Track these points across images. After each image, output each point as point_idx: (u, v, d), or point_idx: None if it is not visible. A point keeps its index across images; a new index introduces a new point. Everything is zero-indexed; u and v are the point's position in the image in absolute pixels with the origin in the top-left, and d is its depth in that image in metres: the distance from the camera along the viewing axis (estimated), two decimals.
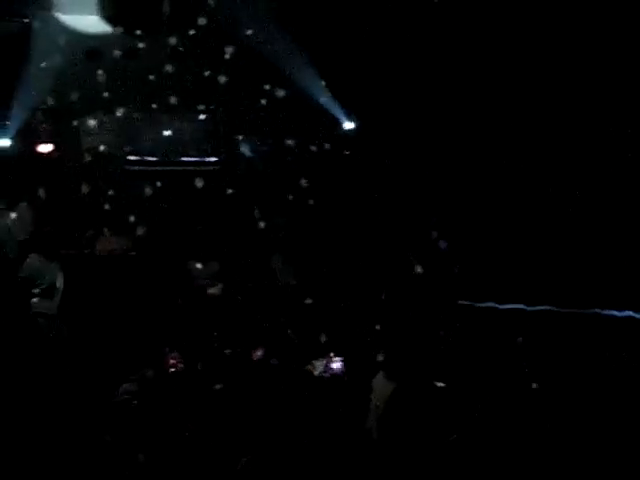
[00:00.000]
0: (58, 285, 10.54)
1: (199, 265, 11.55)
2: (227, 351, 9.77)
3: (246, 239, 12.62)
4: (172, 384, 9.02)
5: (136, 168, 13.94)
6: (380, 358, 8.28)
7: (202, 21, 12.24)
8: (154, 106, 13.69)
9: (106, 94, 13.33)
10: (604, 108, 11.93)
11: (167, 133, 14.05)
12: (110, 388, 8.68)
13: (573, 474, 7.19)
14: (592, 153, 11.97)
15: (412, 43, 12.71)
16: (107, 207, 12.45)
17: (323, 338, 9.93)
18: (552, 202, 12.15)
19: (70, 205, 12.80)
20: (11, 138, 13.50)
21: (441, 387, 8.13)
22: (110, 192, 12.67)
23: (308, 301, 10.96)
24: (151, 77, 13.06)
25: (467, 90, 12.61)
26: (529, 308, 11.45)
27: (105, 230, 12.35)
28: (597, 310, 11.27)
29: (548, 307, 11.34)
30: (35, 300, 10.35)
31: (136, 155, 14.03)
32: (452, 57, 12.62)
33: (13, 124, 13.48)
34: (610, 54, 11.90)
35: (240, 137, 11.75)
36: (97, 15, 13.42)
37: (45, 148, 13.75)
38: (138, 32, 13.01)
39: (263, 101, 12.74)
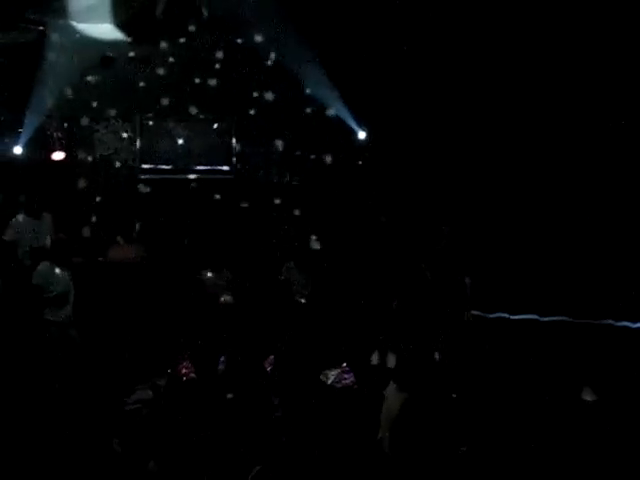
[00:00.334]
0: (69, 293, 10.56)
1: (211, 274, 11.55)
2: (239, 360, 9.75)
3: (259, 248, 12.62)
4: (184, 392, 9.00)
5: (149, 176, 13.95)
6: (390, 363, 8.28)
7: (216, 32, 12.34)
8: (168, 114, 13.72)
9: (120, 102, 13.39)
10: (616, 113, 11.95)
11: (180, 142, 14.06)
12: (121, 396, 8.68)
13: None
14: (610, 164, 11.95)
15: (426, 54, 12.71)
16: (119, 215, 12.49)
17: (336, 348, 9.92)
18: (566, 213, 12.12)
19: (82, 213, 12.80)
20: (24, 145, 13.54)
21: (452, 398, 8.12)
22: (122, 200, 12.73)
23: (320, 310, 10.96)
24: (164, 85, 13.11)
25: (481, 101, 12.59)
26: (542, 319, 11.42)
27: (118, 238, 12.36)
28: (610, 321, 11.24)
29: (562, 318, 11.31)
30: (46, 308, 10.38)
31: (149, 163, 14.04)
32: (466, 68, 12.61)
33: (26, 131, 13.52)
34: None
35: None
36: (111, 23, 13.46)
37: (58, 155, 13.77)
38: (151, 40, 13.03)
39: (276, 111, 12.79)
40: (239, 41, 12.83)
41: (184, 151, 14.09)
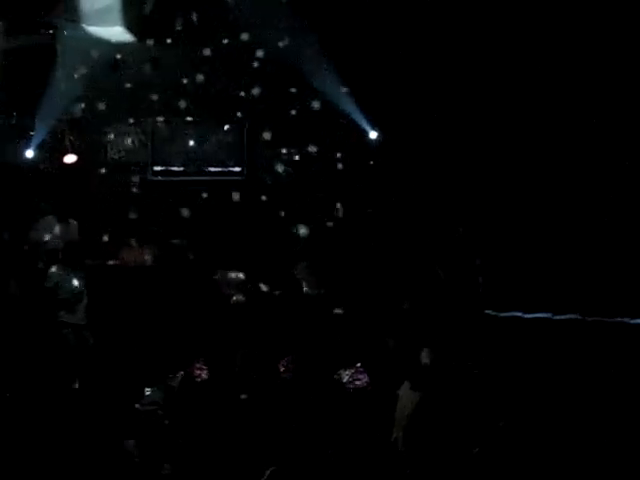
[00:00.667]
0: (83, 295, 10.59)
1: (224, 274, 11.56)
2: (253, 360, 9.77)
3: (271, 248, 12.61)
4: (197, 393, 9.02)
5: (161, 178, 13.96)
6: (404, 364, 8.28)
7: (228, 33, 12.33)
8: (179, 117, 13.73)
9: (132, 105, 13.40)
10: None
11: (192, 143, 14.05)
12: (136, 397, 8.70)
13: None
14: (626, 162, 11.93)
15: (440, 52, 12.69)
16: (131, 218, 12.50)
17: (350, 348, 9.92)
18: (580, 210, 12.08)
19: (94, 216, 12.83)
20: (36, 149, 13.56)
21: (465, 398, 8.11)
22: (134, 203, 12.72)
23: (336, 311, 10.95)
24: (176, 88, 13.12)
25: (496, 101, 12.57)
26: (555, 317, 11.38)
27: (131, 240, 12.37)
28: (625, 319, 11.19)
29: (575, 316, 11.26)
30: (60, 310, 10.41)
31: (161, 165, 14.05)
32: (482, 67, 12.59)
33: (38, 135, 13.54)
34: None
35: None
36: (122, 26, 13.48)
37: (70, 159, 13.79)
38: (163, 43, 13.04)
39: (288, 111, 12.77)
40: (251, 42, 12.82)
41: (196, 153, 14.09)
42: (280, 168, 13.56)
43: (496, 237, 12.23)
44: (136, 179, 13.68)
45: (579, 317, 11.21)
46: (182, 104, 13.32)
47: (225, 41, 12.88)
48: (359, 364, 9.67)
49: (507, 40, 12.31)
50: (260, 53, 12.86)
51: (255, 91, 13.06)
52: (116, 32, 13.47)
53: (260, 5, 12.55)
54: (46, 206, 12.73)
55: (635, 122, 11.98)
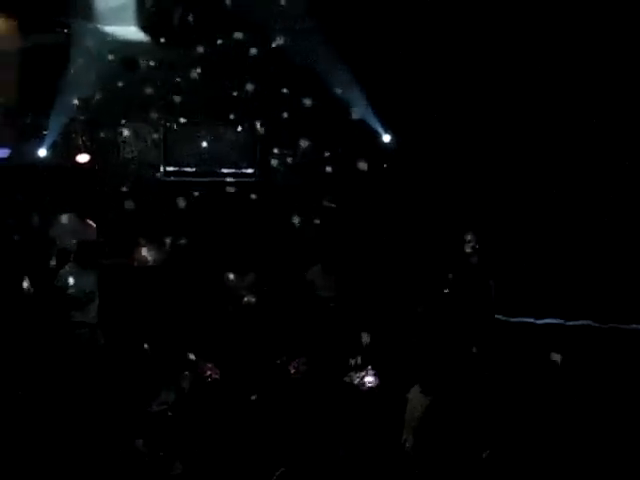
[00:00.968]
0: (95, 295, 10.59)
1: (236, 276, 11.56)
2: (263, 362, 9.77)
3: (283, 250, 12.61)
4: (208, 394, 9.02)
5: (173, 179, 13.97)
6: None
7: (240, 33, 12.32)
8: (192, 117, 13.74)
9: (144, 105, 13.41)
10: None
11: (204, 145, 14.05)
12: (147, 398, 8.70)
13: None
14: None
15: (455, 55, 12.68)
16: (144, 218, 12.50)
17: (360, 350, 9.91)
18: (594, 216, 12.07)
19: (108, 215, 12.84)
20: (49, 148, 13.59)
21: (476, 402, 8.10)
22: (147, 203, 12.72)
23: (346, 313, 10.95)
24: (190, 88, 13.12)
25: (512, 107, 12.55)
26: (568, 323, 11.36)
27: (143, 241, 12.37)
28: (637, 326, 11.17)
29: (587, 322, 11.24)
30: (71, 309, 10.41)
31: (174, 166, 14.06)
32: (495, 71, 12.58)
33: (51, 134, 13.57)
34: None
35: None
36: (136, 26, 13.50)
37: (83, 158, 13.81)
38: (177, 42, 13.05)
39: (301, 114, 12.76)
40: (264, 43, 12.82)
41: (208, 154, 14.09)
42: (292, 170, 13.57)
43: (508, 242, 12.21)
44: (148, 179, 13.71)
45: (592, 323, 11.19)
46: (195, 104, 13.34)
47: (241, 42, 12.87)
48: (370, 366, 9.66)
49: (524, 45, 12.31)
50: (276, 54, 12.86)
51: (269, 93, 13.06)
52: (131, 31, 13.51)
53: (276, 7, 12.55)
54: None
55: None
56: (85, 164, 13.71)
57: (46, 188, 13.18)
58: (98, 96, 13.25)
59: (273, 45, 12.80)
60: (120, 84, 13.24)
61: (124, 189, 13.17)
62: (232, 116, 13.73)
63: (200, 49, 12.96)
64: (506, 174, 12.62)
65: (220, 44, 13.09)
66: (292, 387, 9.17)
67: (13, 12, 13.47)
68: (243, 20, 12.87)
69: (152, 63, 13.35)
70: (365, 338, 10.22)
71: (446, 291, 11.12)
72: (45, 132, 13.55)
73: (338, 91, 13.11)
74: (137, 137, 14.09)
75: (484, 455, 7.36)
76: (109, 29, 13.48)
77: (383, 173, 13.26)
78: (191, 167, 14.05)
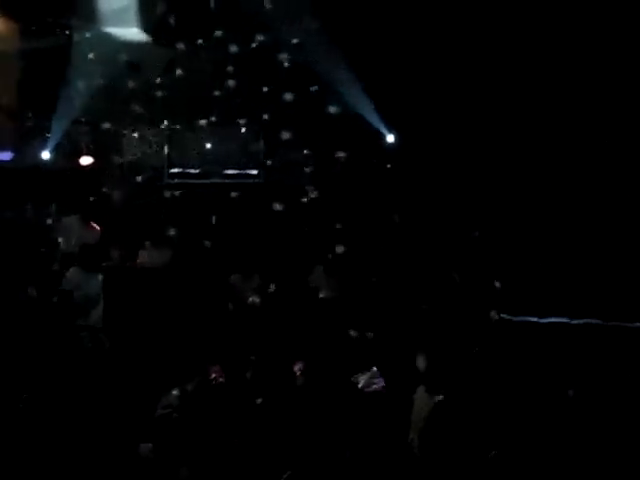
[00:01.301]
0: (99, 298, 10.59)
1: (240, 278, 11.56)
2: (268, 365, 9.75)
3: (287, 252, 12.61)
4: (213, 397, 9.00)
5: (178, 181, 13.97)
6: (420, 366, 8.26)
7: (247, 35, 12.31)
8: (196, 119, 13.73)
9: (147, 106, 13.40)
10: None
11: (208, 146, 14.05)
12: (152, 401, 8.69)
13: None
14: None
15: (457, 55, 12.68)
16: (148, 220, 12.50)
17: (365, 351, 9.89)
18: (599, 215, 12.07)
19: (112, 218, 12.84)
20: (52, 150, 13.59)
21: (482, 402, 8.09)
22: (150, 205, 12.73)
23: (350, 314, 10.93)
24: (194, 90, 13.12)
25: (514, 107, 12.56)
26: (572, 322, 11.33)
27: (147, 243, 12.38)
28: None
29: (592, 320, 11.21)
30: (76, 312, 10.41)
31: (178, 168, 14.06)
32: (501, 70, 12.58)
33: (54, 136, 13.57)
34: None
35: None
36: (138, 28, 13.50)
37: (86, 161, 13.81)
38: (181, 44, 13.04)
39: (306, 114, 12.76)
40: (269, 44, 12.82)
41: (212, 155, 14.08)
42: (296, 171, 13.57)
43: (512, 241, 12.21)
44: (152, 181, 13.71)
45: (596, 322, 11.17)
46: (199, 106, 13.33)
47: (244, 43, 12.87)
48: (375, 368, 9.63)
49: (527, 46, 12.31)
50: (279, 55, 12.85)
51: (273, 94, 13.05)
52: (133, 33, 13.50)
53: (280, 7, 12.54)
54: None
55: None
56: (88, 167, 13.71)
57: (49, 191, 13.18)
58: (101, 98, 13.25)
59: (278, 46, 12.81)
60: (123, 86, 13.24)
61: (127, 192, 13.18)
62: (236, 117, 13.74)
63: (204, 51, 12.97)
64: (510, 174, 12.63)
65: (225, 45, 13.07)
66: (297, 389, 9.15)
67: (15, 14, 13.48)
68: (249, 20, 12.87)
69: (155, 65, 13.35)
70: (370, 338, 10.22)
71: (450, 292, 11.13)
72: (48, 135, 13.55)
73: (344, 92, 13.11)
74: (140, 139, 14.09)
75: (491, 455, 7.36)
76: (111, 31, 13.48)
77: (387, 173, 13.27)
78: (195, 169, 14.05)
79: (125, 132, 14.02)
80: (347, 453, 7.88)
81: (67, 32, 13.65)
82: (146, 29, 13.48)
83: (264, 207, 12.90)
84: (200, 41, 13.06)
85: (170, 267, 12.13)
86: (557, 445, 7.67)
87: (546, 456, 7.46)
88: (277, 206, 12.13)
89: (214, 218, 12.96)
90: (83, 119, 13.79)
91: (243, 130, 14.03)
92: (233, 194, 12.83)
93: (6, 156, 13.71)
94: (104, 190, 13.52)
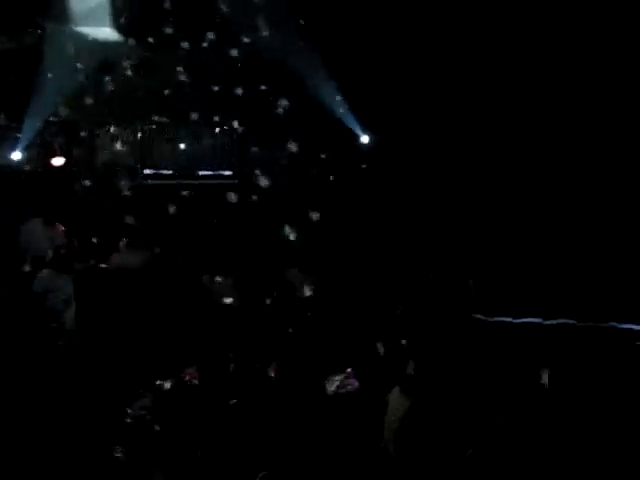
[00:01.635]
0: (71, 300, 10.53)
1: (215, 279, 11.53)
2: (242, 365, 9.72)
3: (262, 252, 12.59)
4: (187, 398, 8.97)
5: (151, 182, 13.92)
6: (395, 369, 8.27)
7: (216, 34, 12.29)
8: (169, 119, 13.70)
9: (121, 107, 13.35)
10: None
11: (183, 146, 14.02)
12: (125, 403, 8.65)
13: None
14: (613, 167, 11.98)
15: (433, 56, 12.71)
16: (122, 221, 12.43)
17: (339, 353, 9.89)
18: (570, 214, 12.13)
19: (84, 219, 12.77)
20: (23, 151, 13.48)
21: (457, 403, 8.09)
22: (125, 206, 12.65)
23: (324, 315, 10.93)
24: (166, 90, 13.07)
25: (489, 105, 12.60)
26: (546, 322, 11.38)
27: (120, 244, 12.31)
28: (614, 324, 11.19)
29: (565, 321, 11.26)
30: (48, 315, 10.34)
31: (151, 169, 14.01)
32: (476, 71, 12.62)
33: (25, 137, 13.47)
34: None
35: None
36: (111, 27, 13.44)
37: (58, 161, 13.72)
38: (152, 43, 12.99)
39: (279, 114, 12.74)
40: (242, 44, 12.80)
41: (186, 156, 14.05)
42: (271, 171, 13.54)
43: (487, 241, 12.25)
44: (125, 182, 13.64)
45: (570, 322, 11.22)
46: (172, 107, 13.29)
47: (216, 42, 12.84)
48: (349, 369, 9.63)
49: (501, 42, 12.35)
50: (252, 55, 12.84)
51: (247, 93, 13.03)
52: (105, 32, 13.44)
53: (252, 5, 12.51)
54: None
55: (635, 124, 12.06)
56: (60, 167, 13.62)
57: (20, 192, 13.08)
58: (73, 98, 13.17)
59: (253, 46, 12.79)
60: (96, 86, 13.17)
61: (101, 192, 13.11)
62: (210, 117, 13.70)
63: (178, 50, 12.93)
64: (485, 173, 12.68)
65: (198, 45, 13.05)
66: (271, 390, 9.13)
67: None
68: (222, 20, 12.84)
69: (128, 64, 13.29)
70: (345, 340, 10.22)
71: (425, 291, 11.15)
72: (19, 135, 13.44)
73: (319, 92, 13.12)
74: (113, 140, 14.02)
75: (467, 454, 7.37)
76: (84, 30, 13.40)
77: (363, 173, 13.29)
78: (169, 169, 14.00)
79: (98, 132, 13.95)
80: (322, 454, 7.87)
81: (39, 31, 13.55)
82: (119, 28, 13.41)
83: (238, 207, 12.88)
84: (175, 41, 13.01)
85: (143, 268, 12.07)
86: (531, 444, 7.69)
87: (521, 454, 7.48)
88: (252, 206, 12.10)
89: (189, 219, 12.92)
90: (55, 119, 13.69)
91: (217, 130, 14.00)
92: (207, 194, 12.82)
93: None
94: (76, 190, 13.43)
